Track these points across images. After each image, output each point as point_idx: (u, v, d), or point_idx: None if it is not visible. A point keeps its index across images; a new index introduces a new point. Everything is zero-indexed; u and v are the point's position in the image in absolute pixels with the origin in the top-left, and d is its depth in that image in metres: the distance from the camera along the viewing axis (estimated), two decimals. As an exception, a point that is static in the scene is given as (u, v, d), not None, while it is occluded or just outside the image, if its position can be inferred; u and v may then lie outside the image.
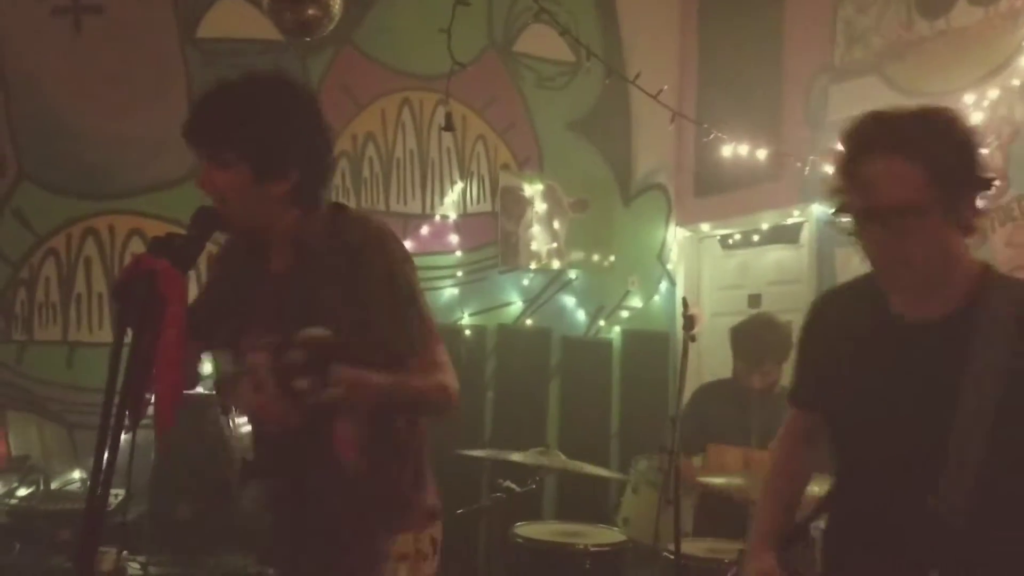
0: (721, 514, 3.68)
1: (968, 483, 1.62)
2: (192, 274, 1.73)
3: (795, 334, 3.90)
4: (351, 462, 1.89)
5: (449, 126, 4.07)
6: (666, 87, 4.20)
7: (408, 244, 4.84)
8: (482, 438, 4.92)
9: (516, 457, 3.72)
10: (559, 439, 4.99)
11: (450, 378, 1.92)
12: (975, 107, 3.99)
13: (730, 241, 5.61)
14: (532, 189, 5.36)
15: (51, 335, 4.39)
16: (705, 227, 5.69)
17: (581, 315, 5.46)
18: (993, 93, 3.95)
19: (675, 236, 5.75)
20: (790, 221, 5.08)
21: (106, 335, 4.40)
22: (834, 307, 1.94)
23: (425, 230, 5.09)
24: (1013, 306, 1.66)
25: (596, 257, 5.50)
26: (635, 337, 5.53)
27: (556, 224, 5.41)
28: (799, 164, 4.55)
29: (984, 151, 1.72)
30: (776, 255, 5.28)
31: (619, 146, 5.60)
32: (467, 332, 5.09)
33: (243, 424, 3.50)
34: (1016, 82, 3.90)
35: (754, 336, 3.87)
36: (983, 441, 1.62)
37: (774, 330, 3.86)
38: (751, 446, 3.78)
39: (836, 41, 4.76)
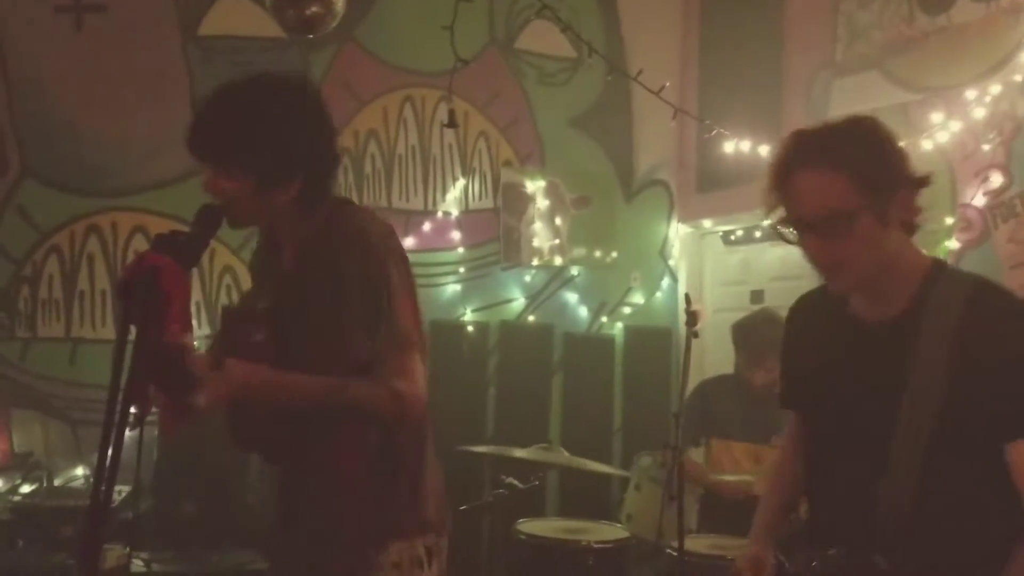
0: (725, 511, 3.69)
1: (909, 480, 1.69)
2: (195, 271, 1.73)
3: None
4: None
5: (451, 123, 4.07)
6: (668, 84, 4.20)
7: (410, 241, 4.96)
8: (484, 435, 4.92)
9: (518, 453, 3.72)
10: (561, 435, 5.00)
11: (409, 386, 1.88)
12: (977, 103, 3.98)
13: (732, 237, 5.60)
14: (534, 185, 5.36)
15: (54, 332, 4.39)
16: (707, 223, 5.69)
17: (583, 311, 5.46)
18: (995, 89, 3.95)
19: (677, 232, 5.75)
20: (792, 217, 5.06)
21: (109, 332, 4.41)
22: (805, 310, 2.02)
23: (427, 227, 5.09)
24: (957, 302, 1.70)
25: (598, 253, 5.50)
26: (637, 333, 5.52)
27: (558, 220, 5.41)
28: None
29: (906, 150, 1.79)
30: (778, 251, 5.26)
31: (621, 142, 5.60)
32: (469, 329, 5.10)
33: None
34: (1018, 77, 3.89)
35: (756, 332, 3.87)
36: (925, 438, 1.68)
37: (776, 326, 3.83)
38: (753, 442, 3.79)
39: (838, 36, 4.75)
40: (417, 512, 1.97)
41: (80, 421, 4.31)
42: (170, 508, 3.91)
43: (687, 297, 3.42)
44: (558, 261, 5.40)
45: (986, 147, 4.02)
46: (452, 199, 5.18)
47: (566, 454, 3.81)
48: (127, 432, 1.44)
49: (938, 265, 1.82)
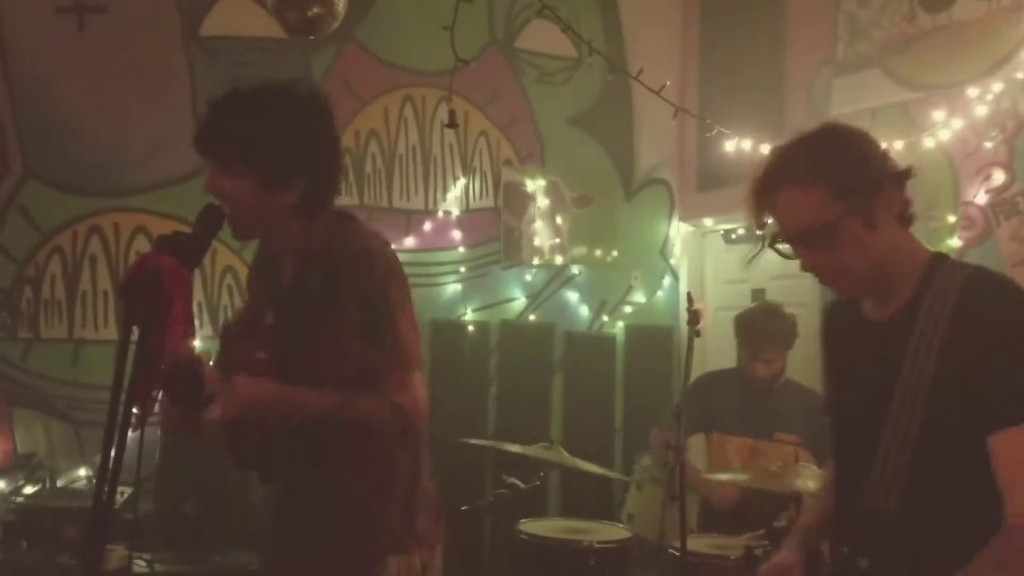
0: (727, 510, 3.69)
1: (897, 478, 1.69)
2: (197, 271, 1.74)
3: (799, 326, 3.93)
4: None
5: (452, 123, 4.07)
6: (668, 83, 4.19)
7: (411, 240, 4.97)
8: (485, 434, 4.92)
9: (520, 450, 3.72)
10: (563, 435, 5.00)
11: (410, 401, 1.91)
12: (979, 101, 3.98)
13: (733, 236, 5.60)
14: (534, 185, 5.36)
15: (57, 333, 4.39)
16: (708, 222, 5.69)
17: (584, 310, 5.46)
18: (997, 86, 3.94)
19: (678, 231, 5.75)
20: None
21: (112, 333, 4.41)
22: (832, 319, 2.03)
23: (428, 226, 5.09)
24: (953, 292, 1.70)
25: (599, 252, 5.50)
26: (638, 332, 5.52)
27: (559, 219, 5.41)
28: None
29: (884, 148, 1.80)
30: (779, 250, 5.26)
31: (621, 141, 5.60)
32: (470, 328, 5.10)
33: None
34: (1020, 75, 3.89)
35: (756, 323, 3.88)
36: (913, 435, 1.68)
37: (777, 318, 3.87)
38: (754, 436, 3.79)
39: (838, 35, 4.75)
40: (413, 526, 1.99)
41: (83, 422, 4.31)
42: (172, 509, 3.91)
43: (688, 296, 3.40)
44: (559, 260, 5.40)
45: (988, 145, 4.02)
46: (453, 198, 5.18)
47: (566, 454, 3.80)
48: (130, 433, 1.45)
49: (939, 258, 1.80)
